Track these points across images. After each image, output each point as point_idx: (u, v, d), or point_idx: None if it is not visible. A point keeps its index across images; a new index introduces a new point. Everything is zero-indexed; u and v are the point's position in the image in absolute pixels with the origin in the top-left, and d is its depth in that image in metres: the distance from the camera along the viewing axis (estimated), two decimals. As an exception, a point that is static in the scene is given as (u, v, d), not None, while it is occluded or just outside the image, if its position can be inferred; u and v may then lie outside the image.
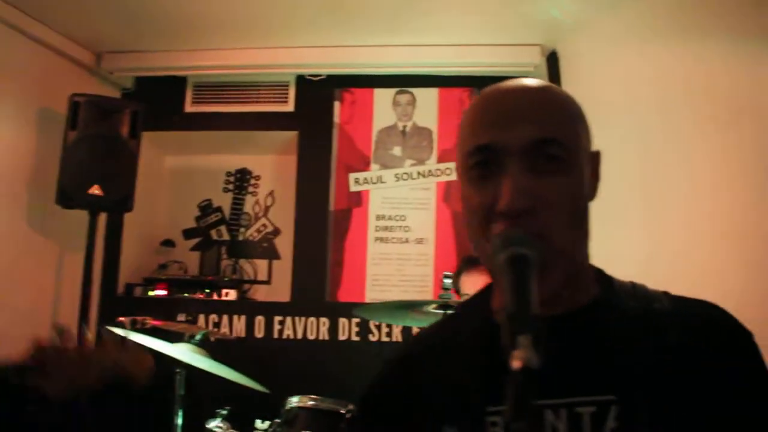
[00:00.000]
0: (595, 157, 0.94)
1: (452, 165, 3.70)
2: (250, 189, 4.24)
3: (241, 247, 4.18)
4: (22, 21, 3.14)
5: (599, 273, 0.98)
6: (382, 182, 3.73)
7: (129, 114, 3.20)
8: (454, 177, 3.60)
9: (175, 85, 3.86)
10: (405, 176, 3.73)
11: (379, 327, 3.54)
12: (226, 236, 4.20)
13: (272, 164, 4.16)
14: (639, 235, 2.27)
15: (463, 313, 1.04)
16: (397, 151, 3.76)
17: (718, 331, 0.89)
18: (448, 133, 3.72)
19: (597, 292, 0.94)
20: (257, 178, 4.20)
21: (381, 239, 3.70)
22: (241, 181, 4.25)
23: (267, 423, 2.43)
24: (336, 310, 3.58)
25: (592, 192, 0.94)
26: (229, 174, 4.24)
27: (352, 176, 3.75)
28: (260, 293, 4.00)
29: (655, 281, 0.97)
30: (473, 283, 3.04)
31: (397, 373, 1.00)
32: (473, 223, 0.88)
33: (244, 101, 3.86)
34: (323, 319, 3.56)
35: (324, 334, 3.55)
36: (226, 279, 3.89)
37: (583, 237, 0.91)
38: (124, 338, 2.23)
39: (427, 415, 0.89)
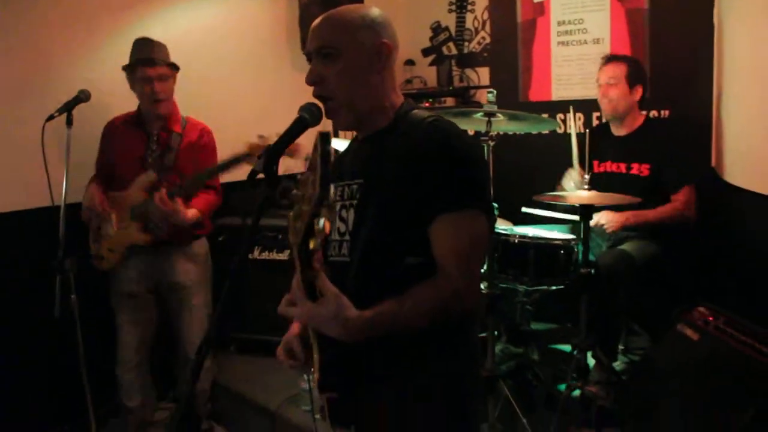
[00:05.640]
0: (379, 46, 1.54)
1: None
2: (469, 7, 4.90)
3: (466, 58, 4.97)
4: None
5: (404, 110, 1.58)
6: (561, -10, 4.10)
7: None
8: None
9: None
10: (581, -20, 4.01)
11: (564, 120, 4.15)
12: (454, 51, 5.02)
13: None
14: None
15: None
16: (572, -44, 4.02)
17: (426, 145, 1.46)
18: (618, -69, 3.83)
19: (388, 123, 1.58)
20: (473, -4, 4.84)
21: (562, 43, 4.15)
22: (461, 0, 4.93)
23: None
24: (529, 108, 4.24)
25: (375, 65, 1.54)
26: (451, -4, 4.95)
27: (534, -12, 4.18)
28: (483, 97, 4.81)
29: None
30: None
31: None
32: None
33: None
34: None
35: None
36: (450, 89, 4.78)
37: (367, 92, 1.54)
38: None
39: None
